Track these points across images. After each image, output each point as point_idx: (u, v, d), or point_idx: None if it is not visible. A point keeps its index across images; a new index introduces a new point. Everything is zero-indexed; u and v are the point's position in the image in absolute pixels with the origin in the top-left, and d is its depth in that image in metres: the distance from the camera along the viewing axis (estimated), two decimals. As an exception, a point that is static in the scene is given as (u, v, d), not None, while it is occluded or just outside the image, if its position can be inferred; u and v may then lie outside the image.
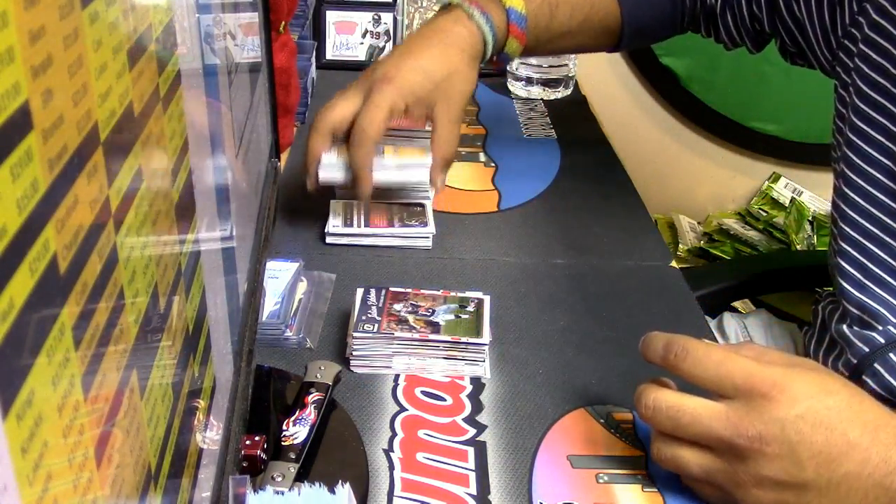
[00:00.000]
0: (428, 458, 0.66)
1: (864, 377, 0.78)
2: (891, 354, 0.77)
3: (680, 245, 1.96)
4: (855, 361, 0.80)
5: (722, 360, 0.57)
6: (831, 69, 0.87)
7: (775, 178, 2.05)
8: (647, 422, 0.61)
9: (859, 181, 0.79)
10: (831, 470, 0.54)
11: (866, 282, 0.80)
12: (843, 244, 0.81)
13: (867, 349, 0.79)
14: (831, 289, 0.91)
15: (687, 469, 0.60)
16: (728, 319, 1.10)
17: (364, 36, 1.45)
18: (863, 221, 0.80)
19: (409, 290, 0.79)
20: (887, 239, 0.78)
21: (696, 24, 1.04)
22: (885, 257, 0.78)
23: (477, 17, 0.91)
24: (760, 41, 1.00)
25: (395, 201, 0.97)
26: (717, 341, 0.84)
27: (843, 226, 0.81)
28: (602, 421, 0.71)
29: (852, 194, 0.80)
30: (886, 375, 0.77)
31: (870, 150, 0.78)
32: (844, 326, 0.82)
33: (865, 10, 0.79)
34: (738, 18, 0.97)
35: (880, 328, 0.78)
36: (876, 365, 0.77)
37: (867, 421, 0.55)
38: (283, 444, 0.63)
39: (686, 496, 0.64)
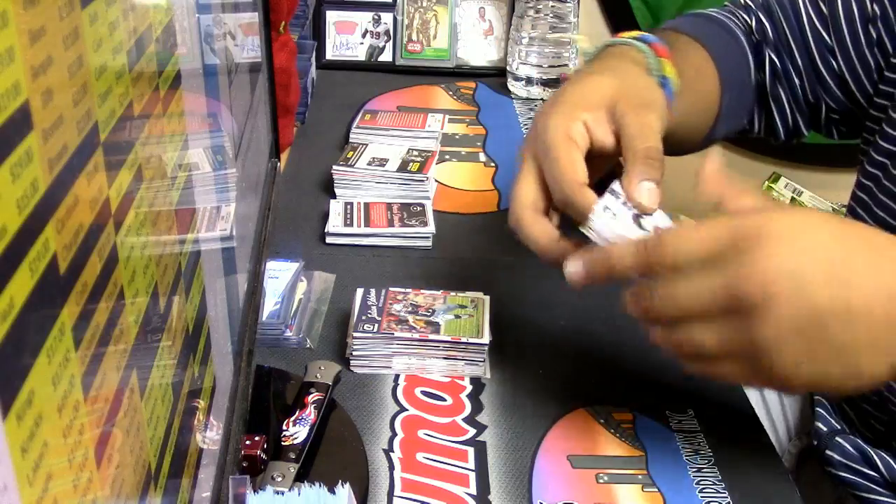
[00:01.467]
0: (428, 458, 0.66)
1: None
2: None
3: (680, 245, 1.96)
4: None
5: (698, 228, 0.54)
6: (874, 94, 0.83)
7: (775, 178, 2.05)
8: (644, 316, 0.56)
9: None
10: (846, 294, 0.50)
11: None
12: None
13: None
14: None
15: (703, 346, 0.54)
16: None
17: (364, 36, 1.46)
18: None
19: (409, 290, 0.79)
20: None
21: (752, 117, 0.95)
22: None
23: (647, 51, 0.74)
24: (814, 117, 0.92)
25: (395, 201, 0.97)
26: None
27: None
28: (602, 421, 0.71)
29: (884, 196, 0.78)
30: None
31: None
32: None
33: None
34: (791, 94, 0.91)
35: None
36: None
37: (868, 242, 0.53)
38: (283, 444, 0.63)
39: (686, 496, 0.64)
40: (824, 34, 0.86)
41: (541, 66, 1.37)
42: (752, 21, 0.91)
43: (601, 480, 0.65)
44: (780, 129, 0.92)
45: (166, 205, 0.41)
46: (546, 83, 1.37)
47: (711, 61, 0.84)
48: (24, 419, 0.23)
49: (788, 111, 0.91)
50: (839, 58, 0.85)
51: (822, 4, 0.86)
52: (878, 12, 0.81)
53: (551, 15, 1.35)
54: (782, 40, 0.89)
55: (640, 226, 0.59)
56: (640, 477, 0.65)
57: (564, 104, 0.66)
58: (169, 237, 0.41)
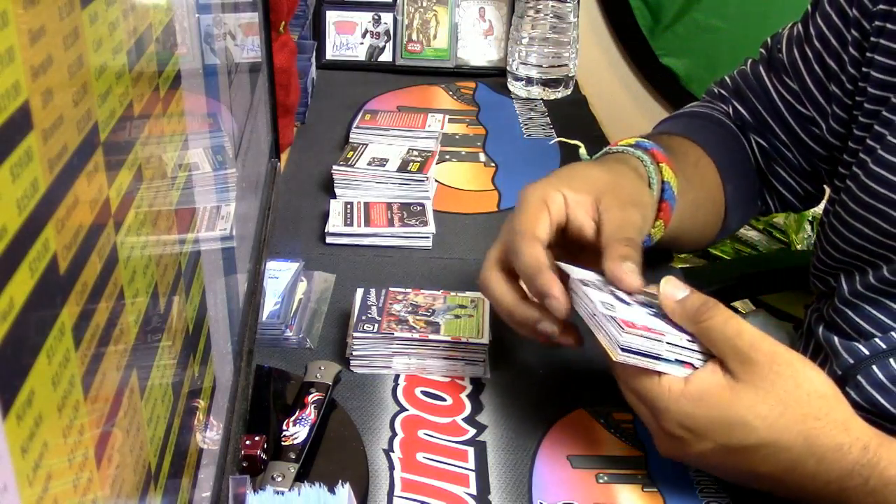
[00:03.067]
0: (428, 458, 0.66)
1: (847, 388, 0.77)
2: (874, 367, 0.75)
3: (680, 245, 1.95)
4: (840, 372, 0.79)
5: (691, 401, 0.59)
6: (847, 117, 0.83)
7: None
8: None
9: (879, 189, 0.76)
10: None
11: (854, 298, 0.79)
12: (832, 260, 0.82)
13: (851, 360, 0.78)
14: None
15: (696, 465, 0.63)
16: None
17: (364, 36, 1.46)
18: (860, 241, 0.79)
19: (409, 290, 0.79)
20: (893, 257, 0.77)
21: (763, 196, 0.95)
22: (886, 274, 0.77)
23: (645, 158, 0.76)
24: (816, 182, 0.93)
25: (395, 201, 0.97)
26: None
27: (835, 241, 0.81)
28: (602, 421, 0.71)
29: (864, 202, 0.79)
30: (868, 388, 0.75)
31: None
32: (832, 334, 0.82)
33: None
34: (789, 168, 0.91)
35: (864, 340, 0.78)
36: (859, 377, 0.76)
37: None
38: (283, 444, 0.63)
39: (686, 496, 0.64)
40: (800, 107, 0.87)
41: (541, 66, 1.37)
42: (729, 109, 0.93)
43: (601, 480, 0.65)
44: (794, 201, 0.94)
45: (166, 205, 0.41)
46: (546, 83, 1.37)
47: (707, 156, 0.86)
48: (24, 419, 0.23)
49: (794, 183, 0.92)
50: (822, 125, 0.85)
51: (788, 80, 0.87)
52: (838, 68, 0.82)
53: (551, 15, 1.35)
54: (761, 122, 0.90)
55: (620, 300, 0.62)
56: (639, 477, 0.65)
57: (550, 179, 0.70)
58: (169, 237, 0.41)
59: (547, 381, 0.75)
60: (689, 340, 0.59)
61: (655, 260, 0.95)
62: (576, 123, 1.31)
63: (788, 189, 0.93)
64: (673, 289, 0.61)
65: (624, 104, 2.01)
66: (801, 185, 0.92)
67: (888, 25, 0.76)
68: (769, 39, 0.93)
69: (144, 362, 0.36)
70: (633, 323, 0.58)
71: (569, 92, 1.41)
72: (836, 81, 0.83)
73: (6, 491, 0.22)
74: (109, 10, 0.32)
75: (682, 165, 0.81)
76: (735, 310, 1.23)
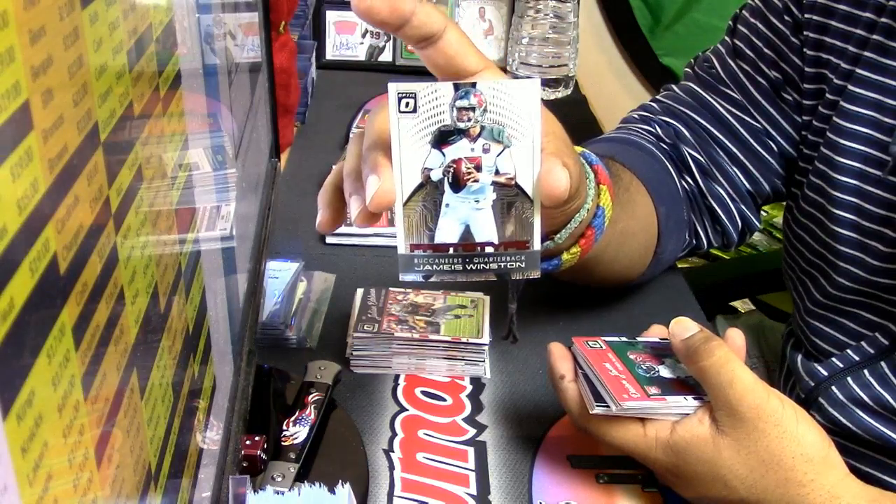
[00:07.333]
0: (428, 458, 0.66)
1: (811, 411, 0.76)
2: (833, 388, 0.75)
3: (680, 245, 1.95)
4: (803, 396, 0.79)
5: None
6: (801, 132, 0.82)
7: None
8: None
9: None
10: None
11: (807, 316, 0.79)
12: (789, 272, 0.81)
13: (812, 383, 0.77)
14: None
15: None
16: (721, 322, 1.10)
17: (364, 36, 1.46)
18: (806, 253, 0.79)
19: (409, 290, 0.79)
20: (828, 271, 0.76)
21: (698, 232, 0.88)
22: (829, 290, 0.77)
23: (588, 173, 0.63)
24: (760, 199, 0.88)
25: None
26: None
27: (791, 251, 0.81)
28: (602, 421, 0.71)
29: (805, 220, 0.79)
30: (830, 409, 0.75)
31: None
32: (797, 354, 0.81)
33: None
34: (730, 185, 0.85)
35: (824, 359, 0.77)
36: (821, 399, 0.76)
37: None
38: (283, 444, 0.63)
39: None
40: (750, 119, 0.83)
41: (541, 66, 1.37)
42: (655, 128, 0.86)
43: (601, 480, 0.65)
44: (730, 228, 0.87)
45: (166, 205, 0.41)
46: (546, 83, 1.37)
47: (637, 179, 0.80)
48: (24, 419, 0.23)
49: (732, 205, 0.86)
50: (776, 136, 0.82)
51: (732, 92, 0.84)
52: (782, 77, 0.80)
53: (551, 15, 1.35)
54: (702, 137, 0.85)
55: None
56: (639, 477, 0.65)
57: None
58: (169, 237, 0.41)
59: (547, 381, 0.75)
60: (694, 398, 0.58)
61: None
62: (575, 123, 1.31)
63: (726, 212, 0.85)
64: (682, 329, 0.60)
65: (624, 104, 2.01)
66: (740, 209, 0.86)
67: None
68: (689, 68, 0.89)
69: (144, 362, 0.36)
70: (628, 390, 0.58)
71: (569, 92, 1.41)
72: (785, 91, 0.81)
73: (6, 491, 0.22)
74: (109, 10, 0.32)
75: (616, 190, 0.68)
76: (734, 309, 1.24)
